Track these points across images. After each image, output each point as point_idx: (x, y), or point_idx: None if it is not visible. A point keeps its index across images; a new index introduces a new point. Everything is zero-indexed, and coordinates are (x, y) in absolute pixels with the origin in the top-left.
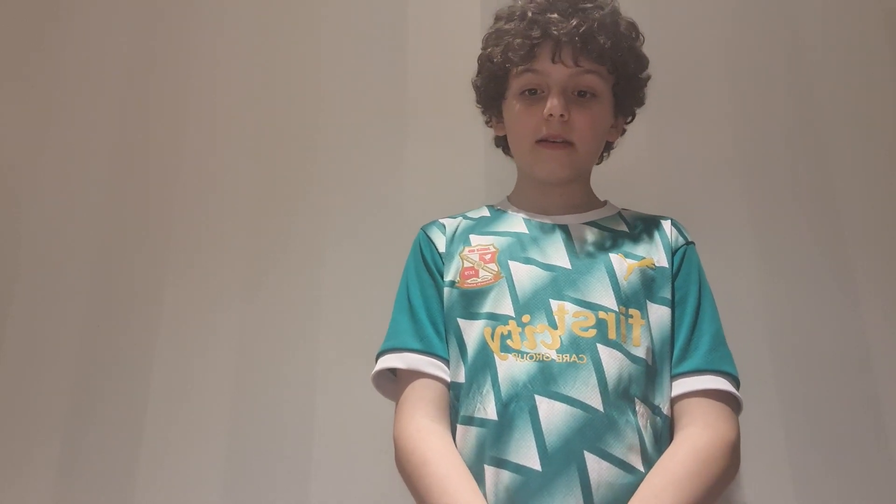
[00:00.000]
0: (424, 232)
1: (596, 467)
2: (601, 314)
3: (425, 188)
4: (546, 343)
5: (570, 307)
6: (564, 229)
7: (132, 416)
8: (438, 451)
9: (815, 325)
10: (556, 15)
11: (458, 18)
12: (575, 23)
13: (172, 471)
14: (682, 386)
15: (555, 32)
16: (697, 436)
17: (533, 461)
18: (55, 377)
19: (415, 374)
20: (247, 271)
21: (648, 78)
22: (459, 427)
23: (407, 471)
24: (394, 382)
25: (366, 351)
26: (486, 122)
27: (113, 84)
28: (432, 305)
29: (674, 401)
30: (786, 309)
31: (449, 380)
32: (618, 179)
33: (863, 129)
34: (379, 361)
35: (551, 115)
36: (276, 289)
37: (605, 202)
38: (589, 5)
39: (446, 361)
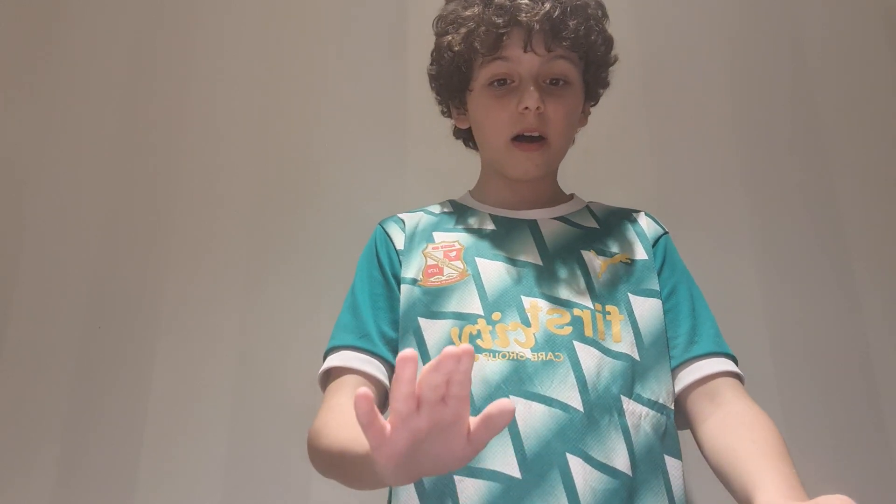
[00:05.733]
0: (382, 227)
1: (580, 471)
2: (576, 311)
3: (426, 188)
4: (520, 341)
5: (543, 304)
6: (533, 225)
7: (132, 417)
8: (346, 409)
9: (815, 325)
10: (524, 0)
11: None
12: (547, 7)
13: (173, 471)
14: (702, 369)
15: (524, 19)
16: (752, 410)
17: (511, 468)
18: (55, 378)
19: (347, 371)
20: (247, 271)
21: (616, 60)
22: None
23: (320, 450)
24: None
25: None
26: (443, 113)
27: (115, 82)
28: (378, 305)
29: (695, 385)
30: (786, 309)
31: (388, 382)
32: (617, 179)
33: (863, 129)
34: (325, 362)
35: (527, 108)
36: (276, 289)
37: (572, 196)
38: None
39: (387, 363)
